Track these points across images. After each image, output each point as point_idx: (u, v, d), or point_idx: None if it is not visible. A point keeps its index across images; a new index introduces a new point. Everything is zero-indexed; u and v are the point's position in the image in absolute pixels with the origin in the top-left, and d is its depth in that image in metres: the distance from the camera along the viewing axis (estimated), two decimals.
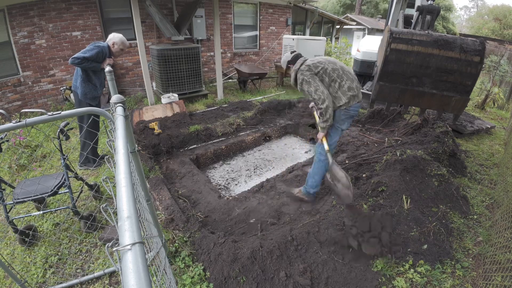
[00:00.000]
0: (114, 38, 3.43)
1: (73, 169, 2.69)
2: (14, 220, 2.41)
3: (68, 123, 2.60)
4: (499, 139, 5.01)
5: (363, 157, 3.81)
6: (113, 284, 2.13)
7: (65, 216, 2.83)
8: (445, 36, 2.91)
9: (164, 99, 5.54)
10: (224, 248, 2.23)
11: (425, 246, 2.30)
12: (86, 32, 6.20)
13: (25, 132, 3.83)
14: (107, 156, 1.45)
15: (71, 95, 5.90)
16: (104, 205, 1.01)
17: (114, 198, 0.86)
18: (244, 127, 5.12)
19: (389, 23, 5.06)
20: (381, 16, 23.12)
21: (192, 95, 6.39)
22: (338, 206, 2.71)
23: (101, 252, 2.41)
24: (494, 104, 7.19)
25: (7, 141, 2.46)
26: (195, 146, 4.46)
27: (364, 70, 6.89)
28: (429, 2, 3.32)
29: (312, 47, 7.83)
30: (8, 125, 1.32)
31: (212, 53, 8.24)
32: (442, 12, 23.03)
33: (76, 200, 2.71)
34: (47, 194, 2.37)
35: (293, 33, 11.47)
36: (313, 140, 5.04)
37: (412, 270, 2.16)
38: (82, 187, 2.90)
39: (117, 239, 0.65)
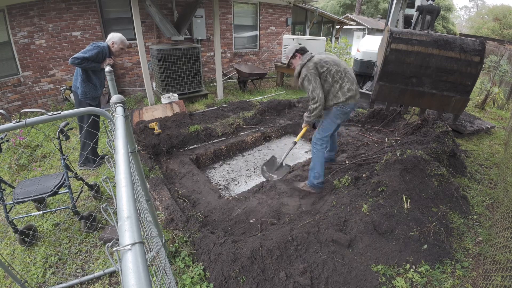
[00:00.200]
0: (114, 37, 3.43)
1: (73, 169, 2.69)
2: (14, 220, 2.41)
3: (68, 123, 2.60)
4: (499, 139, 5.01)
5: (363, 157, 3.81)
6: (113, 284, 2.13)
7: (65, 216, 2.83)
8: (445, 36, 2.91)
9: (164, 99, 5.54)
10: (224, 248, 2.23)
11: (425, 246, 2.30)
12: (86, 32, 6.20)
13: (25, 132, 3.83)
14: (107, 156, 1.45)
15: (71, 95, 5.91)
16: (104, 205, 1.01)
17: (114, 198, 0.86)
18: (244, 127, 5.12)
19: (389, 23, 5.06)
20: (381, 16, 23.12)
21: (192, 95, 6.39)
22: (338, 206, 2.71)
23: (101, 252, 2.41)
24: (494, 104, 7.19)
25: (7, 141, 2.46)
26: (195, 146, 4.46)
27: (364, 70, 6.89)
28: (429, 2, 3.32)
29: (312, 47, 7.77)
30: (8, 125, 1.32)
31: (212, 53, 8.24)
32: (442, 12, 23.03)
33: (76, 200, 2.71)
34: (47, 194, 2.37)
35: (293, 33, 11.47)
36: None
37: (412, 270, 2.16)
38: (82, 187, 2.90)
39: (117, 239, 0.65)
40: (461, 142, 4.65)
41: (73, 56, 3.13)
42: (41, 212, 2.54)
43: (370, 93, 3.16)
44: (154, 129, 4.51)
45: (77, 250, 2.44)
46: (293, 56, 3.00)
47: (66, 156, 2.55)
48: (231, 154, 4.57)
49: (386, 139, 4.33)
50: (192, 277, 2.08)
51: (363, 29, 18.58)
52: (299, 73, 2.90)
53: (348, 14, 20.65)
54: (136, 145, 1.90)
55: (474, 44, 2.80)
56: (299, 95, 7.50)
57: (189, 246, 2.35)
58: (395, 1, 4.88)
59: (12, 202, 2.33)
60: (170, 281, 1.35)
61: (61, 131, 2.48)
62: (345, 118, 3.06)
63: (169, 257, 2.22)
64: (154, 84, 6.71)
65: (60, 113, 1.40)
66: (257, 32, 9.50)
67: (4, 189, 2.40)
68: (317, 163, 3.05)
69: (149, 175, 3.44)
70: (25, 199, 2.31)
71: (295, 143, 3.30)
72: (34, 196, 2.33)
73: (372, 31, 17.82)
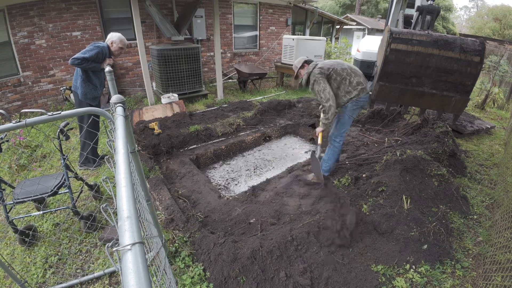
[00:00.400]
0: (113, 37, 3.43)
1: (73, 169, 2.69)
2: (14, 220, 2.41)
3: (68, 123, 2.60)
4: (499, 139, 5.01)
5: (363, 157, 3.81)
6: (113, 284, 2.13)
7: (65, 216, 2.83)
8: (445, 36, 2.91)
9: (164, 99, 5.54)
10: (224, 248, 2.23)
11: (425, 246, 2.30)
12: (86, 32, 6.20)
13: (25, 132, 3.83)
14: (107, 156, 1.45)
15: (71, 95, 5.91)
16: (104, 205, 1.01)
17: (114, 198, 0.86)
18: (244, 127, 5.12)
19: (389, 23, 5.05)
20: (381, 16, 23.12)
21: (192, 95, 6.38)
22: None
23: (101, 252, 2.41)
24: (494, 104, 7.19)
25: (7, 141, 2.46)
26: (195, 146, 4.46)
27: (364, 70, 6.84)
28: (429, 2, 3.32)
29: (312, 47, 7.82)
30: (8, 125, 1.32)
31: (212, 53, 8.24)
32: (442, 12, 23.03)
33: (76, 200, 2.71)
34: (47, 194, 2.37)
35: (293, 33, 11.47)
36: (313, 140, 5.05)
37: (412, 270, 2.16)
38: (82, 187, 2.90)
39: (117, 239, 0.65)
40: (461, 142, 4.65)
41: (73, 57, 3.13)
42: (41, 212, 2.54)
43: (370, 93, 3.17)
44: (154, 129, 4.51)
45: (77, 250, 2.44)
46: (302, 66, 3.25)
47: (66, 156, 2.55)
48: (231, 154, 4.57)
49: (386, 139, 4.33)
50: (192, 277, 2.08)
51: (363, 29, 18.58)
52: (307, 80, 3.13)
53: (348, 14, 20.65)
54: (136, 145, 1.90)
55: (474, 44, 2.79)
56: (299, 95, 7.50)
57: (189, 246, 2.35)
58: (395, 1, 4.88)
59: (12, 202, 2.33)
60: (170, 281, 1.35)
61: (61, 131, 2.48)
62: (359, 111, 3.25)
63: (169, 257, 2.22)
64: (154, 84, 6.71)
65: (60, 113, 1.40)
66: (257, 32, 9.50)
67: (4, 189, 2.40)
68: (332, 157, 3.31)
69: (149, 175, 3.44)
70: (25, 199, 2.31)
71: (321, 146, 3.32)
72: (34, 196, 2.33)
73: (372, 31, 17.82)
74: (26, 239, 2.36)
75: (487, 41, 11.25)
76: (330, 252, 2.26)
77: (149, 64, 6.49)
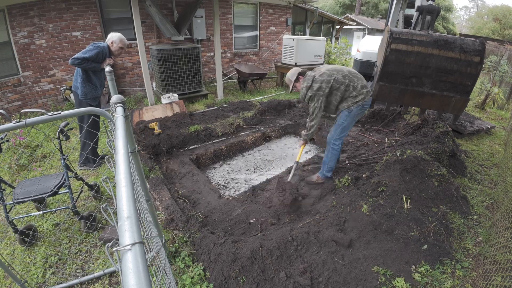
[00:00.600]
0: (113, 37, 3.43)
1: (73, 169, 2.69)
2: (14, 220, 2.41)
3: (68, 123, 2.60)
4: (499, 139, 5.01)
5: (363, 157, 3.81)
6: (113, 284, 2.13)
7: (65, 216, 2.83)
8: (445, 36, 2.92)
9: (164, 99, 5.54)
10: (224, 248, 2.23)
11: (425, 246, 2.30)
12: (86, 32, 6.20)
13: (25, 132, 3.83)
14: (107, 156, 1.45)
15: (71, 95, 5.91)
16: (104, 205, 1.01)
17: (114, 198, 0.86)
18: (244, 127, 5.12)
19: (389, 23, 5.06)
20: (381, 16, 23.12)
21: (192, 95, 6.39)
22: (338, 206, 2.71)
23: (101, 252, 2.41)
24: (494, 104, 7.19)
25: (7, 141, 2.46)
26: (195, 146, 4.46)
27: (364, 70, 6.89)
28: (429, 2, 3.32)
29: (312, 47, 7.83)
30: (8, 125, 1.32)
31: (212, 53, 8.24)
32: (442, 12, 23.03)
33: (76, 200, 2.71)
34: (47, 194, 2.37)
35: (293, 33, 11.47)
36: (313, 140, 5.05)
37: (412, 270, 2.16)
38: (82, 187, 2.90)
39: (117, 239, 0.65)
40: (461, 142, 4.65)
41: (73, 57, 3.13)
42: (41, 212, 2.54)
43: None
44: (154, 129, 4.51)
45: (77, 250, 2.44)
46: (297, 79, 3.18)
47: (66, 156, 2.55)
48: (231, 154, 4.57)
49: (386, 139, 4.33)
50: (192, 277, 2.08)
51: (363, 29, 18.59)
52: (305, 94, 3.07)
53: (348, 14, 20.66)
54: (136, 145, 1.90)
55: (474, 44, 2.80)
56: (299, 95, 7.50)
57: (189, 246, 2.35)
58: (395, 1, 4.88)
59: (12, 202, 2.33)
60: (170, 281, 1.35)
61: (61, 131, 2.48)
62: (362, 114, 3.22)
63: (169, 257, 2.22)
64: (154, 84, 6.71)
65: (60, 113, 1.40)
66: (257, 32, 9.50)
67: (4, 189, 2.40)
68: (333, 159, 3.31)
69: (149, 175, 3.44)
70: (25, 199, 2.31)
71: (297, 162, 3.31)
72: (34, 196, 2.33)
73: (372, 31, 17.82)
74: (26, 239, 2.36)
75: (487, 41, 11.25)
76: (330, 252, 2.26)
77: (149, 64, 6.49)
